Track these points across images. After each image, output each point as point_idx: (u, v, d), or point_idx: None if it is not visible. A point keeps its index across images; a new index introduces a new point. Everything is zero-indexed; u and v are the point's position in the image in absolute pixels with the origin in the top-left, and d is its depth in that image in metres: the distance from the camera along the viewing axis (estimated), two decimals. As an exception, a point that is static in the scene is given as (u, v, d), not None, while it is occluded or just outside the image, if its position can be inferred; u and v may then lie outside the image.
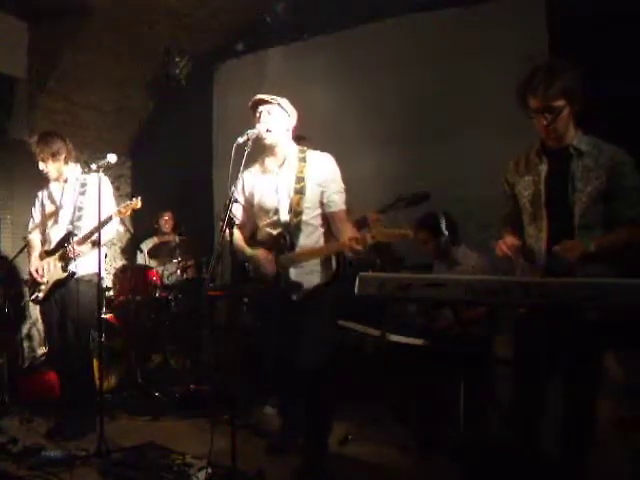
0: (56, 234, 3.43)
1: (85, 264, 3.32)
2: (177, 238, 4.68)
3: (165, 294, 4.43)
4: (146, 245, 5.10)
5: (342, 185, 2.78)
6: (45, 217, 3.54)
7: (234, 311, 3.26)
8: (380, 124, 4.46)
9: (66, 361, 3.35)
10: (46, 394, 3.84)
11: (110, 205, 3.39)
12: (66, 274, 3.31)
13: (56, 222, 3.47)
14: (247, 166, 2.79)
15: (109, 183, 3.46)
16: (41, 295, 3.42)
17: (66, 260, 3.30)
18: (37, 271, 3.41)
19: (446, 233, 3.29)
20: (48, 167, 3.40)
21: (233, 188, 2.50)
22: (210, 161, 5.55)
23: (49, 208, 3.53)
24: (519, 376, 2.33)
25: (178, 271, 4.56)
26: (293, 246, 2.71)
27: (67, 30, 4.76)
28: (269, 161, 2.83)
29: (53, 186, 3.53)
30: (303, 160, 2.76)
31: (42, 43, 4.81)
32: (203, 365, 4.40)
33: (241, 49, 5.29)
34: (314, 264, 2.74)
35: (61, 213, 3.45)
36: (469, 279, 2.05)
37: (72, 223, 3.33)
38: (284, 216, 2.75)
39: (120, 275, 4.57)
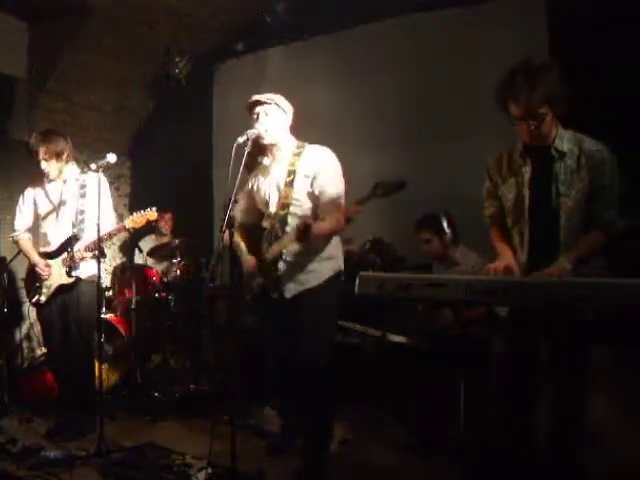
0: (56, 235, 3.40)
1: (86, 265, 3.32)
2: (176, 241, 4.67)
3: (165, 294, 4.43)
4: (145, 244, 5.09)
5: (337, 178, 2.75)
6: (39, 217, 3.50)
7: (234, 311, 3.25)
8: (380, 124, 4.45)
9: (67, 361, 3.34)
10: (46, 394, 3.84)
11: (108, 206, 3.38)
12: (72, 280, 3.29)
13: (55, 223, 3.43)
14: (249, 167, 2.80)
15: (107, 183, 3.45)
16: (43, 299, 3.40)
17: (71, 265, 3.28)
18: (46, 265, 3.35)
19: (448, 232, 3.30)
20: (50, 167, 3.37)
21: (235, 188, 2.51)
22: (210, 161, 5.54)
23: (45, 208, 3.48)
24: (513, 376, 2.33)
25: (178, 271, 4.56)
26: (278, 238, 2.71)
27: (67, 30, 4.75)
28: (267, 159, 2.87)
29: (50, 186, 3.48)
30: (298, 155, 2.78)
31: (42, 43, 4.80)
32: (203, 365, 4.39)
33: (241, 49, 5.28)
34: (313, 263, 2.72)
35: (60, 214, 3.42)
36: (469, 279, 2.05)
37: (75, 227, 3.30)
38: (273, 209, 2.78)
39: (119, 275, 4.57)
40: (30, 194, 3.53)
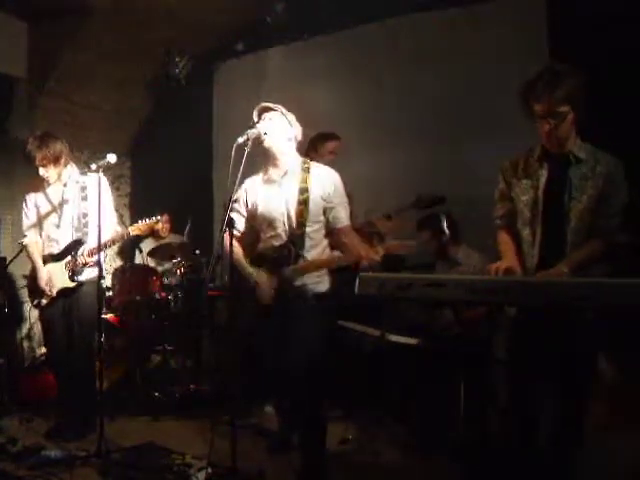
0: (60, 238, 3.40)
1: (89, 269, 3.32)
2: (177, 237, 4.66)
3: (165, 294, 4.43)
4: (146, 245, 5.10)
5: (346, 199, 2.76)
6: (42, 220, 3.49)
7: (234, 311, 3.26)
8: (380, 124, 4.45)
9: (69, 361, 3.34)
10: (46, 394, 3.84)
11: (110, 208, 3.38)
12: (74, 284, 3.30)
13: (58, 226, 3.43)
14: (249, 174, 2.76)
15: (107, 184, 3.44)
16: (45, 301, 3.41)
17: (75, 269, 3.28)
18: (47, 284, 3.35)
19: (447, 233, 3.30)
20: (49, 172, 3.34)
21: (235, 188, 2.50)
22: (210, 161, 5.54)
23: (47, 211, 3.47)
24: (516, 376, 2.34)
25: (178, 271, 4.56)
26: (297, 258, 2.67)
27: (67, 30, 4.75)
28: (272, 171, 2.78)
29: (50, 189, 3.46)
30: (307, 171, 2.73)
31: (42, 43, 4.80)
32: (203, 365, 4.40)
33: (241, 49, 5.28)
34: (320, 274, 2.72)
35: (63, 217, 3.41)
36: (470, 279, 2.05)
37: (79, 231, 3.30)
38: (287, 227, 2.71)
39: (120, 275, 4.57)
40: (32, 198, 3.53)
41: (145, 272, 4.52)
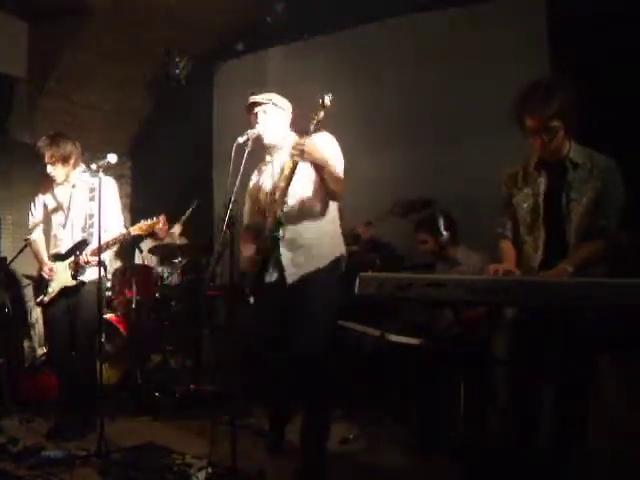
0: (65, 239, 3.41)
1: (91, 268, 3.32)
2: (177, 233, 4.65)
3: (165, 294, 4.43)
4: (146, 245, 5.09)
5: (334, 154, 2.74)
6: (49, 220, 3.51)
7: (234, 311, 3.26)
8: (380, 124, 4.45)
9: (71, 361, 3.35)
10: (46, 394, 3.84)
11: (116, 209, 3.38)
12: (75, 282, 3.31)
13: (64, 226, 3.44)
14: (251, 167, 2.81)
15: (115, 185, 3.46)
16: (46, 299, 3.41)
17: (77, 268, 3.29)
18: (50, 270, 3.37)
19: (444, 233, 3.31)
20: (56, 171, 3.36)
21: (235, 190, 2.51)
22: (210, 161, 5.54)
23: (55, 211, 3.49)
24: (516, 376, 2.34)
25: (178, 271, 4.56)
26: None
27: (67, 30, 4.75)
28: (268, 156, 2.90)
29: (58, 190, 3.48)
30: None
31: (42, 43, 4.80)
32: (203, 365, 4.39)
33: (241, 49, 5.28)
34: (316, 248, 2.70)
35: (70, 218, 3.42)
36: (469, 279, 2.06)
37: (85, 231, 3.30)
38: (275, 196, 2.74)
39: (120, 275, 4.57)
40: (40, 198, 3.56)
41: (145, 272, 4.52)
